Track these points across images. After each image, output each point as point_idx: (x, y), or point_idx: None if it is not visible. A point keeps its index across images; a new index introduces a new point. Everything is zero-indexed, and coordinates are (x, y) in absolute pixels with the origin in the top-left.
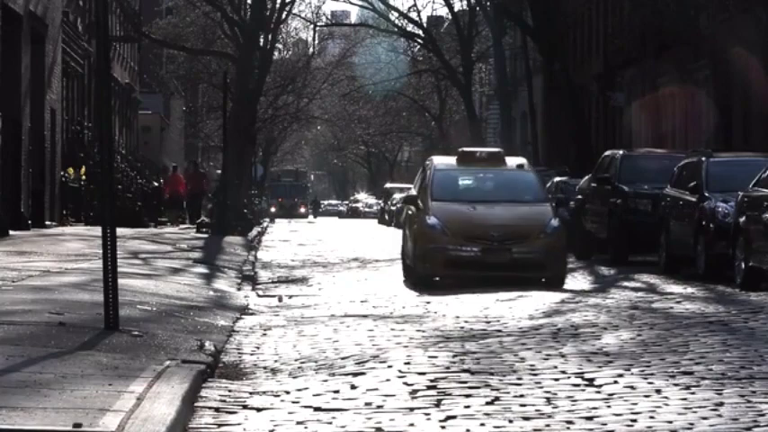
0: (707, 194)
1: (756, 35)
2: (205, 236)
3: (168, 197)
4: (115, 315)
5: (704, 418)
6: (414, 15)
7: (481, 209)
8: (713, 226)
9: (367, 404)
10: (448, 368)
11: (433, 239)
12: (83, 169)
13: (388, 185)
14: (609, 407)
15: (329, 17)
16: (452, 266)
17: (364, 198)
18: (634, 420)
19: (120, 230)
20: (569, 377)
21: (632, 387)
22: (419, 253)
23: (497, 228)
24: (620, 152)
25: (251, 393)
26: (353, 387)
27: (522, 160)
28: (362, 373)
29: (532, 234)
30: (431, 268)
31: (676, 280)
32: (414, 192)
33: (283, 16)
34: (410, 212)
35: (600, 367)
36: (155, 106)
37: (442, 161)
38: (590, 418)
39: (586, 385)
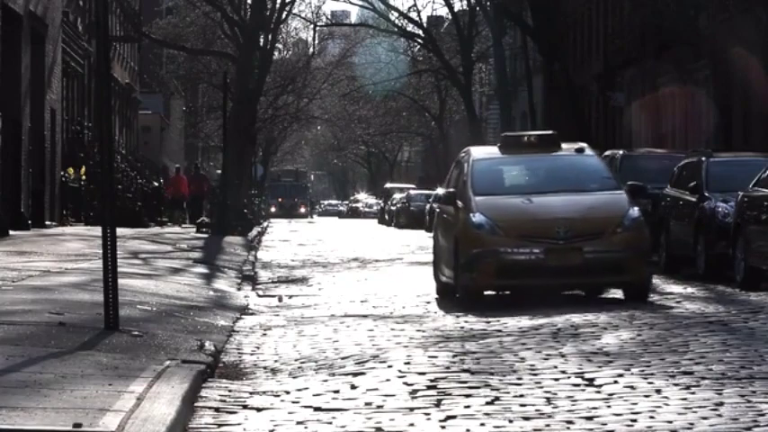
0: (707, 194)
1: (756, 35)
2: (205, 236)
3: (170, 198)
4: (115, 315)
5: (704, 418)
6: (414, 15)
7: (539, 201)
8: (713, 226)
9: (367, 404)
10: (448, 368)
11: (481, 241)
12: (83, 169)
13: (388, 185)
14: (609, 407)
15: (329, 17)
16: (507, 274)
17: (364, 198)
18: (634, 420)
19: (120, 230)
20: (569, 377)
21: (632, 387)
22: (463, 261)
23: (563, 222)
24: (620, 152)
25: (251, 393)
26: (353, 387)
27: (581, 144)
28: (362, 373)
29: (608, 228)
30: (479, 279)
31: (676, 280)
32: (445, 190)
33: (283, 16)
34: (445, 216)
35: (600, 367)
36: (155, 106)
37: (481, 150)
38: (590, 418)
39: (586, 385)
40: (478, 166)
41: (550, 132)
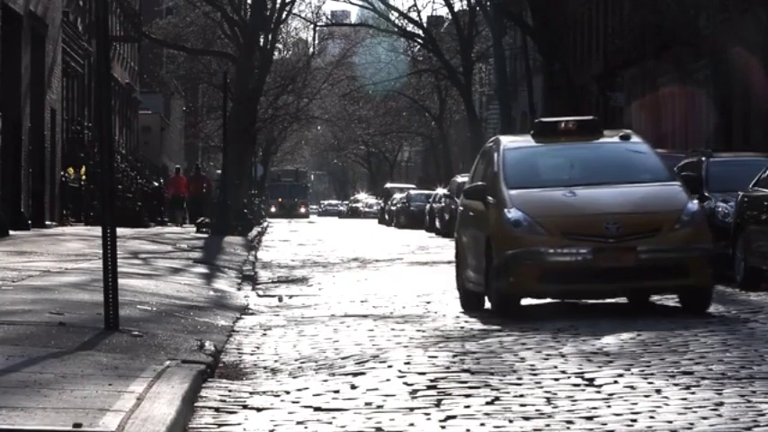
0: (707, 194)
1: (756, 35)
2: (205, 236)
3: (171, 198)
4: (115, 315)
5: (704, 418)
6: (414, 15)
7: (584, 194)
8: (713, 226)
9: (367, 404)
10: (448, 368)
11: (519, 241)
12: (83, 169)
13: (388, 185)
14: (609, 407)
15: (329, 17)
16: (550, 279)
17: (364, 198)
18: (634, 420)
19: (120, 230)
20: (569, 377)
21: (632, 387)
22: (497, 264)
23: (613, 217)
24: None
25: (251, 393)
26: (353, 387)
27: (626, 130)
28: (362, 373)
29: (665, 224)
30: (518, 285)
31: None
32: (472, 184)
33: (283, 16)
34: (471, 213)
35: (600, 367)
36: (155, 106)
37: (512, 139)
38: (590, 418)
39: (586, 385)
40: (511, 156)
41: (591, 118)
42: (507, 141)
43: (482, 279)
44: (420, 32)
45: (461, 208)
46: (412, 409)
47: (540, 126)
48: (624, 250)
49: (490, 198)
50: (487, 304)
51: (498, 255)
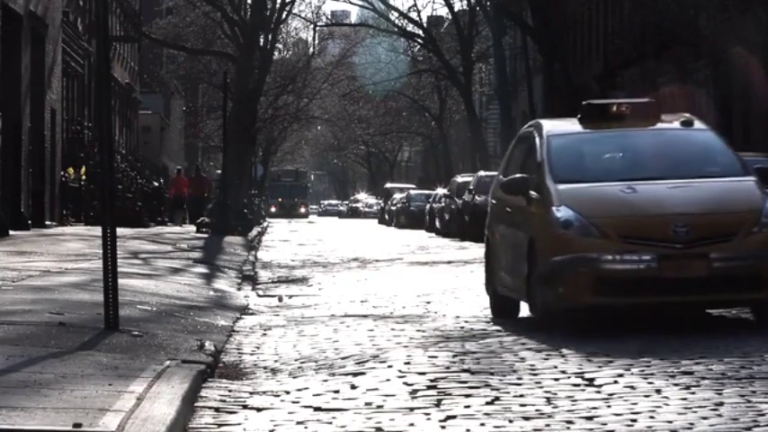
0: None
1: (756, 35)
2: (205, 236)
3: (172, 198)
4: (115, 315)
5: (704, 418)
6: (414, 15)
7: (645, 190)
8: None
9: (367, 404)
10: (448, 368)
11: (570, 245)
12: (83, 169)
13: (388, 185)
14: (609, 407)
15: (329, 17)
16: (607, 290)
17: (364, 198)
18: (634, 420)
19: (120, 230)
20: (569, 377)
21: (632, 387)
22: (543, 270)
23: (683, 219)
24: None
25: (251, 393)
26: (353, 387)
27: (687, 115)
28: (362, 373)
29: (741, 227)
30: (568, 295)
31: None
32: (504, 178)
33: (283, 16)
34: (509, 209)
35: (600, 367)
36: (155, 106)
37: (555, 124)
38: (590, 418)
39: (586, 385)
40: (556, 145)
41: (646, 100)
42: (551, 126)
43: (521, 285)
44: (420, 32)
45: (494, 202)
46: (412, 409)
47: (587, 109)
48: (694, 257)
49: (533, 193)
50: (523, 310)
51: (545, 260)
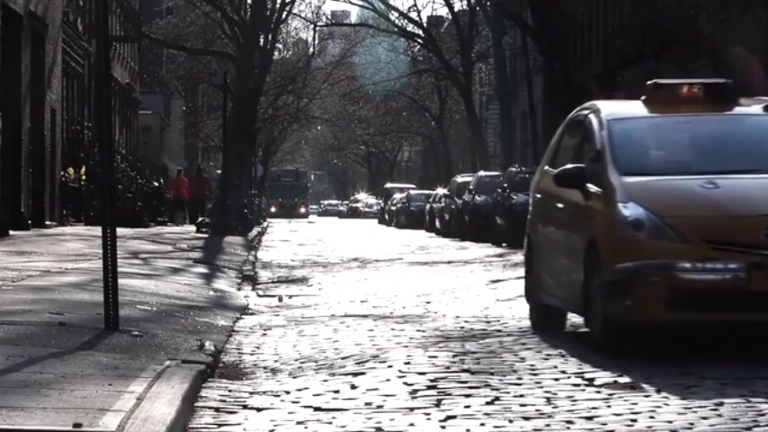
0: None
1: (756, 35)
2: (205, 236)
3: (172, 198)
4: (115, 315)
5: (704, 418)
6: (414, 15)
7: (729, 185)
8: None
9: (367, 404)
10: (448, 368)
11: (641, 249)
12: (83, 169)
13: (388, 185)
14: (609, 407)
15: (329, 17)
16: (685, 304)
17: (364, 198)
18: (634, 420)
19: (120, 230)
20: (569, 377)
21: (632, 387)
22: (608, 279)
23: None
24: None
25: (251, 393)
26: (353, 387)
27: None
28: (362, 373)
29: None
30: (638, 309)
31: None
32: (553, 168)
33: (283, 16)
34: (559, 205)
35: (600, 367)
36: (155, 106)
37: (615, 107)
38: (590, 418)
39: (586, 385)
40: (619, 130)
41: (723, 81)
42: (611, 109)
43: (575, 294)
44: (420, 32)
45: (538, 197)
46: (412, 409)
47: (654, 90)
48: None
49: (592, 186)
50: (570, 322)
51: (609, 266)
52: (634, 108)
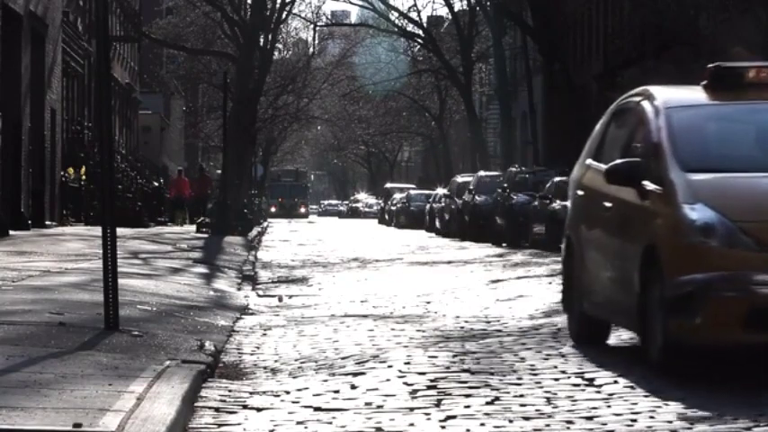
0: None
1: (756, 35)
2: (205, 236)
3: (172, 198)
4: (115, 315)
5: (704, 419)
6: (414, 15)
7: None
8: None
9: (367, 404)
10: (448, 368)
11: (711, 258)
12: (83, 169)
13: (388, 185)
14: (609, 407)
15: (329, 17)
16: (764, 325)
17: (364, 198)
18: (634, 420)
19: (120, 230)
20: (569, 377)
21: (632, 387)
22: (672, 293)
23: None
24: None
25: (251, 393)
26: (353, 387)
27: None
28: (362, 373)
29: None
30: (709, 328)
31: None
32: (597, 163)
33: (283, 16)
34: (607, 204)
35: (600, 367)
36: (155, 106)
37: (672, 94)
38: (590, 418)
39: (586, 385)
40: (680, 120)
41: None
42: (667, 96)
43: (626, 308)
44: (420, 32)
45: (580, 193)
46: (412, 409)
47: (717, 75)
48: None
49: (649, 184)
50: (615, 337)
51: (674, 278)
52: (693, 94)
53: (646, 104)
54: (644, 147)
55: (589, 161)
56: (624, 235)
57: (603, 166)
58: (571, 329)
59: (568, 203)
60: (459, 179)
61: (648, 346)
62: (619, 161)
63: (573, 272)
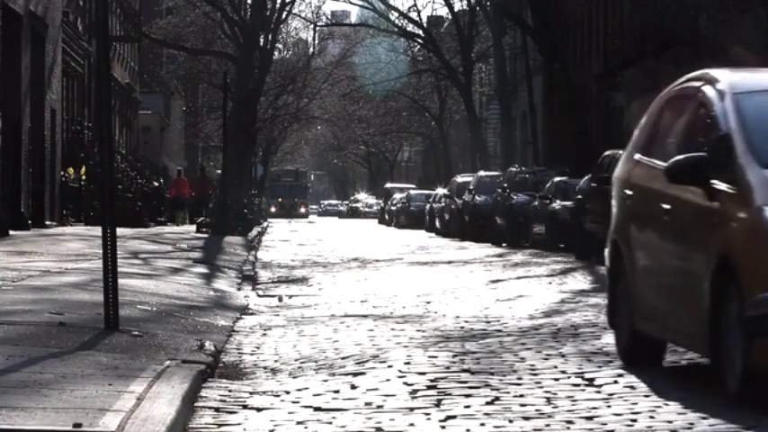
0: None
1: (756, 35)
2: (205, 236)
3: (172, 198)
4: (115, 315)
5: (704, 418)
6: (414, 15)
7: None
8: None
9: (367, 404)
10: (448, 368)
11: None
12: (83, 169)
13: (388, 185)
14: (609, 407)
15: (329, 17)
16: None
17: (364, 198)
18: (634, 420)
19: (120, 230)
20: (569, 377)
21: (632, 387)
22: (753, 312)
23: None
24: (620, 152)
25: (251, 393)
26: (353, 387)
27: None
28: (362, 373)
29: None
30: None
31: None
32: (648, 158)
33: (283, 16)
34: (665, 206)
35: (600, 367)
36: (155, 106)
37: (739, 78)
38: (590, 418)
39: (586, 385)
40: (754, 107)
41: None
42: (733, 80)
43: (693, 327)
44: (420, 32)
45: (629, 192)
46: (412, 409)
47: None
48: None
49: (718, 183)
50: (672, 358)
51: (755, 295)
52: (763, 78)
53: (708, 90)
54: (709, 139)
55: (638, 156)
56: (688, 242)
57: (659, 163)
58: (619, 348)
59: (613, 204)
60: (459, 179)
61: (724, 374)
62: (681, 157)
63: (621, 283)
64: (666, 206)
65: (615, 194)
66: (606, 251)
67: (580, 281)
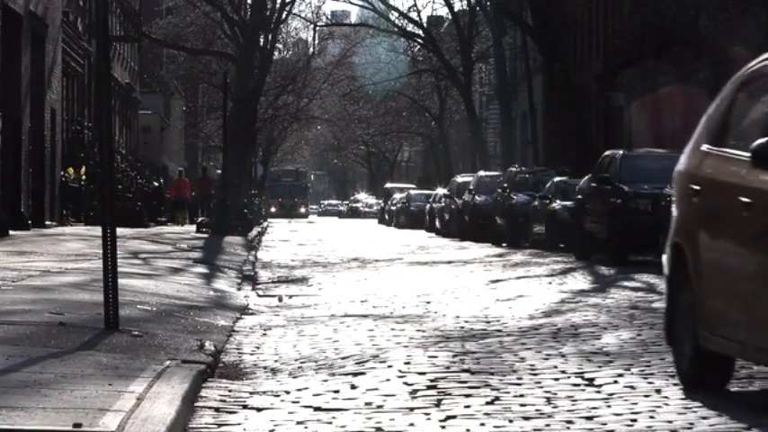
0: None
1: (756, 35)
2: (205, 236)
3: (172, 199)
4: (115, 315)
5: (704, 418)
6: (414, 15)
7: None
8: None
9: (367, 404)
10: (448, 368)
11: None
12: (83, 169)
13: (388, 185)
14: (609, 407)
15: (329, 17)
16: None
17: (364, 198)
18: (634, 420)
19: (120, 230)
20: (569, 377)
21: (632, 387)
22: None
23: None
24: (620, 152)
25: (251, 393)
26: (353, 387)
27: None
28: (362, 373)
29: None
30: None
31: None
32: (716, 147)
33: (283, 16)
34: (747, 200)
35: (600, 367)
36: (155, 106)
37: None
38: (590, 418)
39: (586, 385)
40: None
41: None
42: None
43: None
44: (420, 32)
45: (695, 187)
46: (412, 409)
47: None
48: None
49: None
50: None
51: None
52: None
53: None
54: None
55: (706, 147)
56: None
57: (737, 152)
58: (680, 368)
59: (674, 203)
60: (459, 179)
61: None
62: (764, 141)
63: (684, 292)
64: (746, 200)
65: (677, 192)
66: (664, 257)
67: (580, 281)
